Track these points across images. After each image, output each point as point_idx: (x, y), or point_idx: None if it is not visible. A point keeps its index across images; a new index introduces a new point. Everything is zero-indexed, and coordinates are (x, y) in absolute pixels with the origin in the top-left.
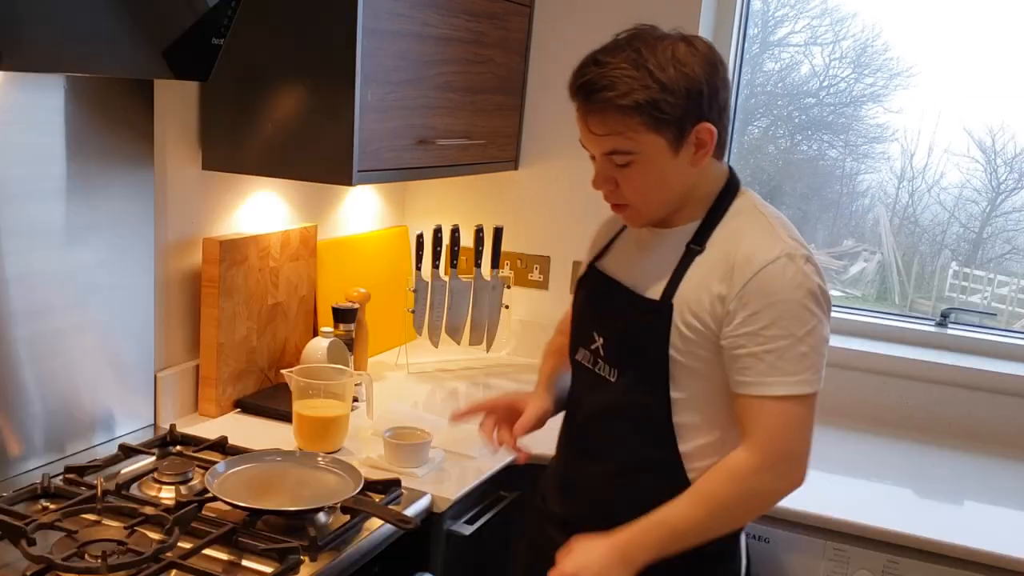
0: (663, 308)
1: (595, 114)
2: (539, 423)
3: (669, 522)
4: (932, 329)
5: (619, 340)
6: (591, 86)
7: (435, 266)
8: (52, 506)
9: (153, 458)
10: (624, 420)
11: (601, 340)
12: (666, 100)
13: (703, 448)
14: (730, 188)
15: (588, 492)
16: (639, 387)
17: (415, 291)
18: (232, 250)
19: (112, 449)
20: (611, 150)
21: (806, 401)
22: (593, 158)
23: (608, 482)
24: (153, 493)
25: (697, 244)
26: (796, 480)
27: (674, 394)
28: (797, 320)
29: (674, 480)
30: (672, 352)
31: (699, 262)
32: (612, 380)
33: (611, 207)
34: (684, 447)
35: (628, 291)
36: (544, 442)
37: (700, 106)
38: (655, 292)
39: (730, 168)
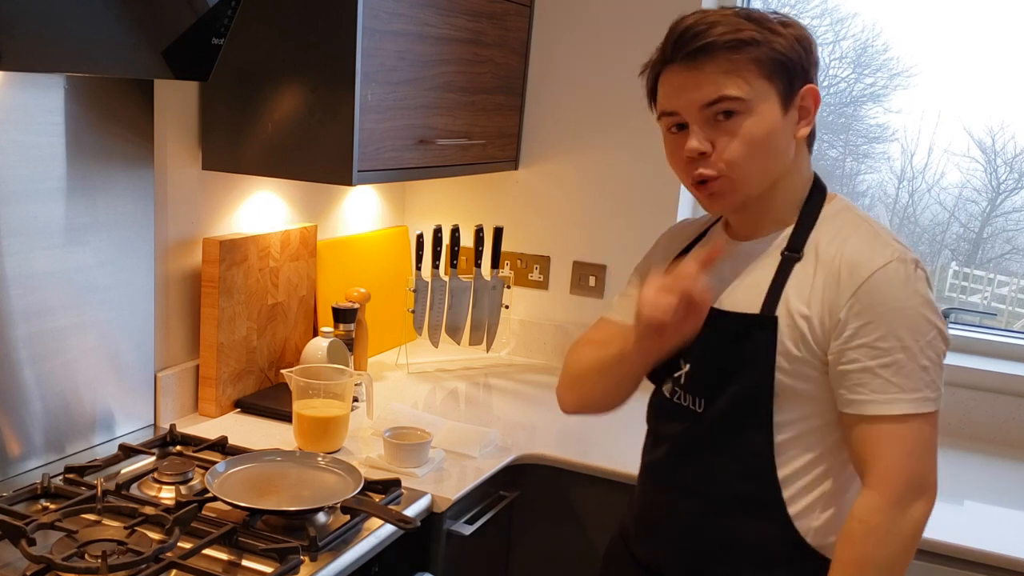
0: (767, 322)
1: (701, 55)
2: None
3: None
4: None
5: (708, 365)
6: (693, 29)
7: (435, 266)
8: (52, 506)
9: (153, 458)
10: (715, 452)
11: (687, 367)
12: (779, 41)
13: (804, 480)
14: (817, 191)
15: (674, 535)
16: (735, 415)
17: (415, 291)
18: (232, 250)
19: (112, 449)
20: (718, 97)
21: (929, 420)
22: (673, 128)
23: (697, 523)
24: (153, 493)
25: (794, 250)
26: (928, 509)
27: (777, 419)
28: (915, 330)
29: (771, 518)
30: (778, 373)
31: (799, 270)
32: (699, 410)
33: (695, 187)
34: (785, 480)
35: (716, 309)
36: (540, 443)
37: (808, 62)
38: (751, 306)
39: (815, 173)
